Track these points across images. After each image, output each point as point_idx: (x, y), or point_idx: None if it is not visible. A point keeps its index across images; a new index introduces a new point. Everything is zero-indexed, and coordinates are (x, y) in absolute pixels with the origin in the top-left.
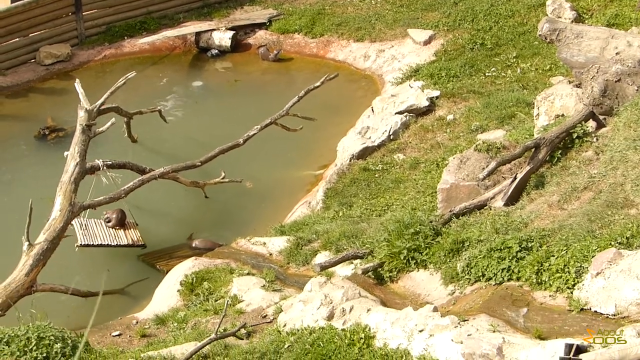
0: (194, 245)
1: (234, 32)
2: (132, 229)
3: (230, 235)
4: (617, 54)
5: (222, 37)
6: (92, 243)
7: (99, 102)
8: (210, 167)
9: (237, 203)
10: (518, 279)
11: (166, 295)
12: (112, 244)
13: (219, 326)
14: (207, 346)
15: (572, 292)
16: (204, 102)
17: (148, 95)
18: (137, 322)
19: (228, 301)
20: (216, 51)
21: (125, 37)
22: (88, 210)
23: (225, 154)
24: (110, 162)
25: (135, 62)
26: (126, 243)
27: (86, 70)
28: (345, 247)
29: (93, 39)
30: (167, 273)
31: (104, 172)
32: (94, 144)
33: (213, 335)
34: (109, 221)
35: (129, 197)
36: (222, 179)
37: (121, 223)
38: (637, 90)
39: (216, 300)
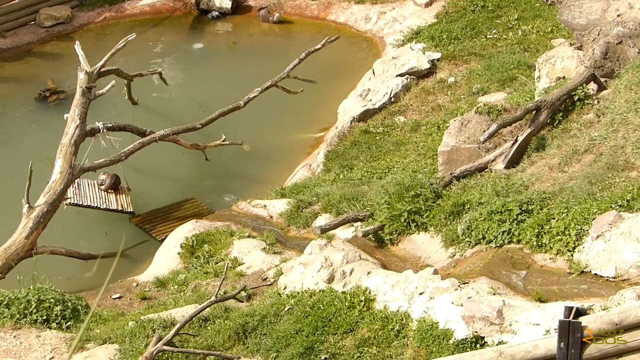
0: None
1: None
2: (123, 194)
3: (231, 197)
4: (618, 16)
5: None
6: (81, 203)
7: (99, 64)
8: (211, 129)
9: (237, 166)
10: (518, 241)
11: (166, 257)
12: (101, 207)
13: (219, 289)
14: (208, 309)
15: (572, 255)
16: (204, 65)
17: (148, 58)
18: (137, 285)
19: (228, 264)
20: (217, 13)
21: None
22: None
23: (225, 116)
24: (111, 125)
25: (136, 24)
26: (115, 208)
27: (86, 32)
28: (345, 210)
29: (93, 1)
30: (158, 239)
31: (103, 135)
32: (94, 106)
33: (213, 298)
34: (102, 184)
35: (129, 159)
36: (223, 141)
37: (114, 187)
38: (638, 52)
39: (216, 263)
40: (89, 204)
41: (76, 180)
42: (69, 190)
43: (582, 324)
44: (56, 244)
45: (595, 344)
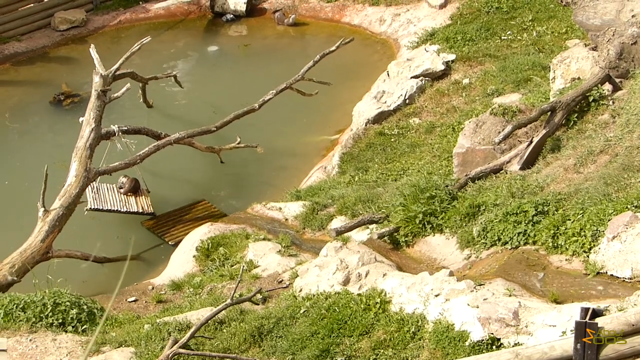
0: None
1: None
2: (143, 197)
3: (246, 200)
4: (633, 16)
5: (237, 2)
6: (102, 207)
7: (114, 67)
8: (226, 132)
9: (252, 168)
10: (534, 243)
11: (182, 260)
12: (122, 210)
13: (235, 291)
14: (223, 311)
15: (588, 256)
16: (219, 67)
17: (163, 61)
18: (152, 288)
19: (244, 266)
20: (231, 16)
21: (140, 2)
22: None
23: (240, 119)
24: (126, 128)
25: (151, 27)
26: (136, 210)
27: (101, 35)
28: (361, 212)
29: (108, 4)
30: (171, 244)
31: (119, 138)
32: (109, 110)
33: (229, 301)
34: (122, 187)
35: (144, 162)
36: (238, 144)
37: (134, 190)
38: None
39: (232, 266)
40: (109, 207)
41: (95, 185)
42: (88, 195)
43: (599, 325)
44: (72, 248)
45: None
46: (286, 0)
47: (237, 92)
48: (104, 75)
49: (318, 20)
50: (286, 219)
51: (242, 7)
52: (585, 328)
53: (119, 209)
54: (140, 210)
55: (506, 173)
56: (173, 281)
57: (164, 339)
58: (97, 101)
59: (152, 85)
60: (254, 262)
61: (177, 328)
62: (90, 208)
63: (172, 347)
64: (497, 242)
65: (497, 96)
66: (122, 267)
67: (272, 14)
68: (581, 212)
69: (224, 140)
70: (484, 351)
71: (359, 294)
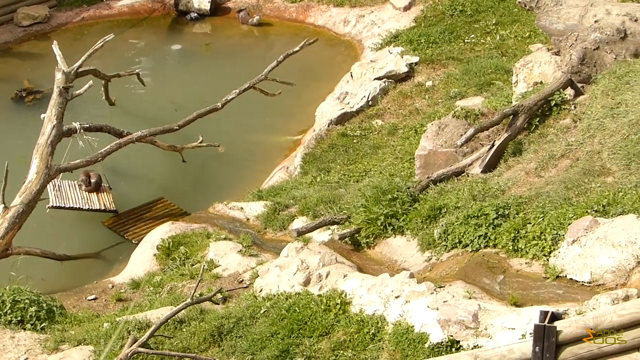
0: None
1: None
2: (105, 194)
3: (208, 199)
4: (595, 22)
5: (201, 1)
6: (64, 205)
7: (77, 64)
8: (188, 131)
9: (214, 167)
10: (494, 245)
11: (142, 259)
12: (84, 207)
13: (195, 291)
14: (183, 311)
15: (548, 260)
16: (182, 66)
17: (126, 58)
18: (112, 286)
19: (204, 266)
20: (195, 14)
21: (104, 0)
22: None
23: (203, 118)
24: (88, 125)
25: (114, 24)
26: (98, 208)
27: (64, 32)
28: (322, 213)
29: (71, 1)
30: (134, 242)
31: (80, 135)
32: (71, 107)
33: (189, 300)
34: (85, 184)
35: (106, 160)
36: (200, 143)
37: (96, 187)
38: (615, 58)
39: (192, 265)
40: (71, 205)
41: (56, 182)
42: (50, 193)
43: (557, 329)
44: (31, 245)
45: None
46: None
47: (200, 91)
48: (66, 72)
49: (282, 20)
50: (248, 219)
51: (206, 5)
52: (544, 331)
53: (81, 207)
54: (103, 208)
55: (468, 176)
56: (133, 280)
57: (123, 337)
58: (59, 98)
59: (115, 82)
60: (214, 261)
61: (136, 327)
62: (51, 206)
63: (131, 345)
64: (457, 244)
65: (460, 99)
66: (84, 264)
67: (237, 14)
68: (542, 215)
69: (186, 139)
70: (443, 353)
71: (319, 295)
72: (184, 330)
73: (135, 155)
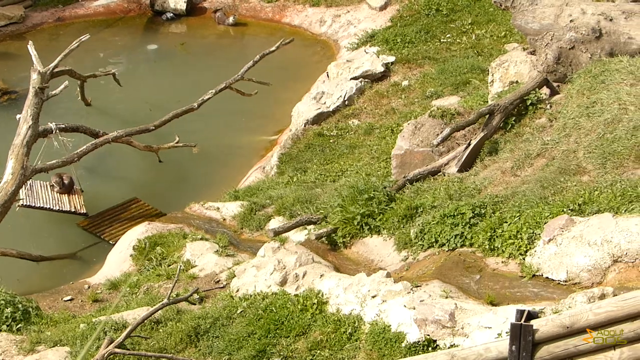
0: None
1: None
2: (76, 196)
3: (184, 199)
4: (571, 21)
5: (177, 0)
6: (34, 205)
7: (52, 64)
8: (165, 131)
9: (191, 168)
10: (471, 245)
11: (119, 260)
12: (54, 208)
13: (172, 291)
14: (160, 311)
15: (524, 259)
16: (158, 66)
17: (102, 59)
18: (89, 287)
19: (181, 266)
20: (171, 14)
21: (80, 0)
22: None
23: (179, 118)
24: (64, 125)
25: (90, 24)
26: (68, 209)
27: (39, 32)
28: (299, 213)
29: (47, 1)
30: (112, 243)
31: (56, 136)
32: (46, 107)
33: (165, 301)
34: (58, 186)
35: (82, 160)
36: (176, 143)
37: (68, 189)
38: (590, 57)
39: (169, 265)
40: (41, 205)
41: (28, 182)
42: (21, 191)
43: (534, 327)
44: (7, 246)
45: (547, 346)
46: None
47: (176, 91)
48: (41, 72)
49: (258, 20)
50: (224, 219)
51: (182, 5)
52: (520, 330)
53: (51, 207)
54: (73, 210)
55: (444, 175)
56: (109, 280)
57: (99, 338)
58: (34, 98)
59: (91, 83)
60: (191, 262)
61: (113, 327)
62: (22, 205)
63: (107, 346)
64: (434, 244)
65: (436, 99)
66: (60, 265)
67: (213, 14)
68: (518, 214)
69: (163, 139)
70: (420, 352)
71: (296, 295)
72: (161, 330)
73: (111, 156)
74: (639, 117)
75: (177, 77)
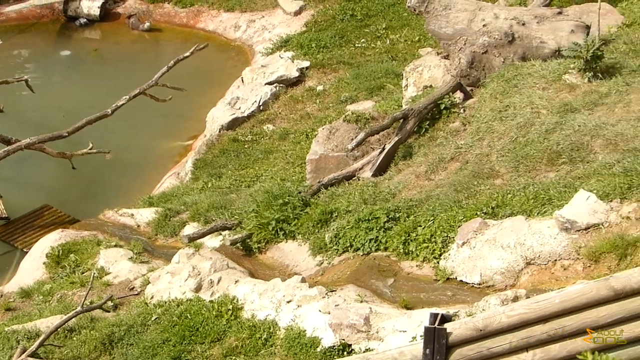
0: None
1: (103, 0)
2: None
3: (98, 206)
4: (484, 26)
5: (91, 6)
6: None
7: None
8: (78, 137)
9: (105, 174)
10: (386, 249)
11: (32, 267)
12: None
13: (85, 299)
14: (74, 319)
15: (438, 262)
16: (72, 72)
17: (15, 65)
18: (1, 296)
19: (95, 273)
20: (85, 20)
21: None
22: None
23: (93, 124)
24: None
25: (2, 30)
26: None
27: None
28: (214, 219)
29: None
30: (25, 250)
31: None
32: None
33: (79, 308)
34: None
35: None
36: (90, 149)
37: None
38: (503, 61)
39: (83, 273)
40: None
41: None
42: None
43: (447, 330)
44: None
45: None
46: (140, 5)
47: (90, 97)
48: None
49: (173, 25)
50: (138, 226)
51: (95, 11)
52: (434, 333)
53: None
54: None
55: (359, 180)
56: (22, 288)
57: (12, 347)
58: None
59: (3, 89)
60: (105, 269)
61: (25, 336)
62: None
63: (20, 355)
64: (349, 248)
65: (351, 103)
66: None
67: (127, 19)
68: (432, 218)
69: (76, 146)
70: (335, 357)
71: (211, 301)
72: (75, 339)
73: (24, 163)
74: (551, 121)
75: (91, 83)
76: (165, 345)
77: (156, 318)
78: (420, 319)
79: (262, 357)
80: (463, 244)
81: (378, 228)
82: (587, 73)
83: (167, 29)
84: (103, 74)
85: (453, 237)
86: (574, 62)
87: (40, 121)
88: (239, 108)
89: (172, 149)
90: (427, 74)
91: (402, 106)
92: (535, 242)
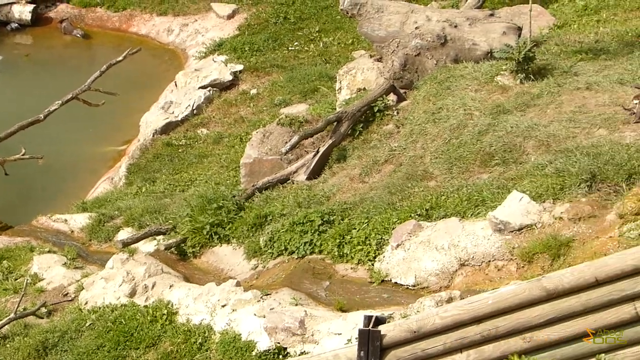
0: None
1: (35, 5)
2: None
3: (31, 212)
4: (416, 28)
5: (22, 11)
6: None
7: None
8: (10, 143)
9: (38, 180)
10: (320, 252)
11: None
12: None
13: (19, 305)
14: (7, 326)
15: (373, 264)
16: (3, 77)
17: None
18: None
19: (28, 280)
20: (16, 25)
21: None
22: None
23: (25, 129)
24: None
25: None
26: None
27: None
28: (148, 223)
29: None
30: None
31: None
32: None
33: (12, 315)
34: None
35: None
36: (22, 155)
37: None
38: (436, 64)
39: (16, 279)
40: None
41: None
42: None
43: (381, 332)
44: None
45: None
46: (72, 9)
47: (21, 102)
48: None
49: (105, 30)
50: (72, 231)
51: (27, 16)
52: (368, 335)
53: None
54: None
55: (293, 183)
56: None
57: None
58: None
59: None
60: (38, 275)
61: None
62: None
63: None
64: (284, 251)
65: (285, 106)
66: None
67: (59, 24)
68: (366, 221)
69: (8, 152)
70: None
71: (145, 306)
72: (8, 346)
73: None
74: (484, 122)
75: (22, 89)
76: (100, 351)
77: (90, 324)
78: (355, 321)
79: None
80: (397, 246)
81: (312, 231)
82: (519, 74)
83: (99, 33)
84: (35, 79)
85: (387, 240)
86: (506, 64)
87: None
88: (173, 112)
89: (105, 153)
90: (360, 76)
91: (335, 109)
92: (469, 244)
